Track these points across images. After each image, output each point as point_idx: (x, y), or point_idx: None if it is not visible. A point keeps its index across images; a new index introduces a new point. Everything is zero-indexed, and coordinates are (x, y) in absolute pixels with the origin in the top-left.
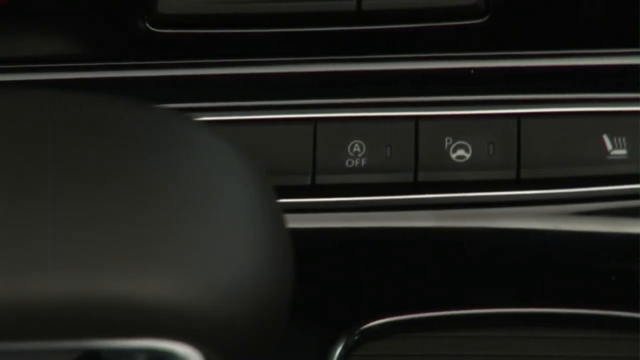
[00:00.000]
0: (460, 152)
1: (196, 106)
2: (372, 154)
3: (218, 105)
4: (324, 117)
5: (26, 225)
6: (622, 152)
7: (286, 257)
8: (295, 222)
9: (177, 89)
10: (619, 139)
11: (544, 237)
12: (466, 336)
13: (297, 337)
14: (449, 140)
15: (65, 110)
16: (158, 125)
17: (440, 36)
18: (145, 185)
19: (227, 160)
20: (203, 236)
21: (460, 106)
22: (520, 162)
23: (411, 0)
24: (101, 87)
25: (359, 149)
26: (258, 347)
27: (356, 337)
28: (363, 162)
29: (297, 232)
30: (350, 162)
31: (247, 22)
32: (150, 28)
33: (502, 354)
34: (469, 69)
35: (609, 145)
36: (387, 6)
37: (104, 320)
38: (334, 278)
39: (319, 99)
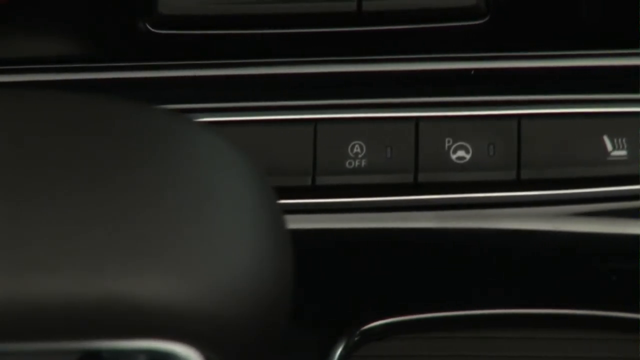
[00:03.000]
0: (461, 153)
1: (196, 107)
2: (372, 154)
3: (218, 106)
4: (324, 118)
5: (26, 225)
6: (623, 153)
7: (286, 257)
8: (296, 222)
9: (177, 89)
10: (620, 140)
11: (544, 238)
12: (466, 337)
13: (298, 338)
14: (449, 141)
15: (66, 110)
16: (158, 126)
17: (441, 37)
18: (146, 185)
19: (227, 161)
20: (203, 236)
21: (461, 107)
22: (521, 163)
23: (411, 2)
24: (101, 88)
25: (359, 150)
26: (259, 348)
27: (357, 338)
28: (363, 163)
29: (297, 233)
30: (350, 163)
31: (247, 23)
32: (151, 29)
33: (502, 355)
34: (470, 69)
35: (609, 146)
36: (388, 7)
37: (104, 320)
38: (335, 278)
39: (320, 99)
